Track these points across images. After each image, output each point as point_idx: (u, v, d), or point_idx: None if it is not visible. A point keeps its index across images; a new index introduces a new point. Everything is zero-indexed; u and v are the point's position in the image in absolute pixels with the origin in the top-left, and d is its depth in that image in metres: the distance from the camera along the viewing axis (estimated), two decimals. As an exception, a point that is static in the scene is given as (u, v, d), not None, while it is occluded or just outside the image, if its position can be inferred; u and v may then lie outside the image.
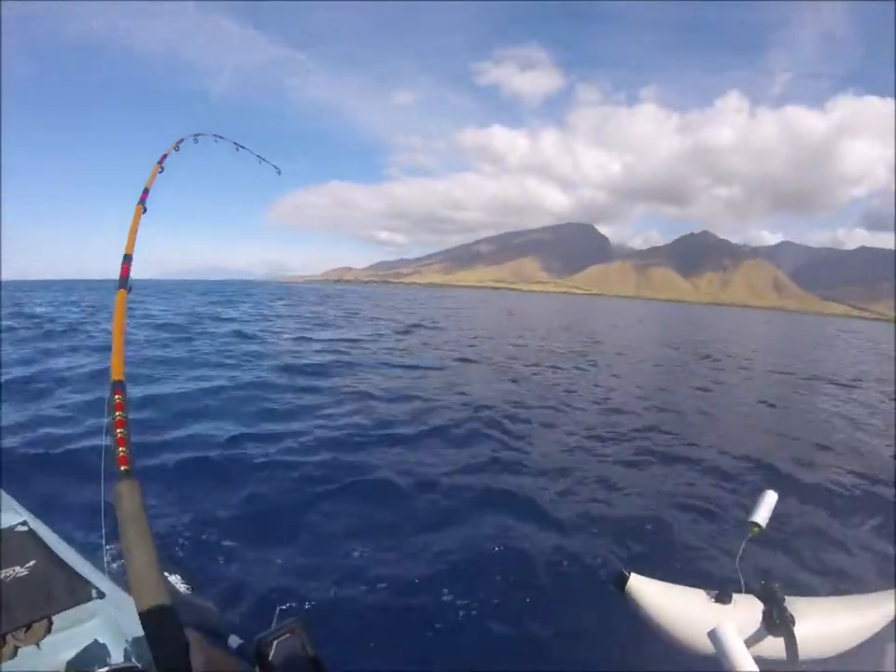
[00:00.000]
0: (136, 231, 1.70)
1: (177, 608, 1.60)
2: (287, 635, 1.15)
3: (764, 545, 3.99)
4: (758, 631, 1.64)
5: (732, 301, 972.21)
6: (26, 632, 1.89)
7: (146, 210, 1.82)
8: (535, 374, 13.31)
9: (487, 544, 4.20)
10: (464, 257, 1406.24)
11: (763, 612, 1.65)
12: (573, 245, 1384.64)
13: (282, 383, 10.15)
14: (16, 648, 1.88)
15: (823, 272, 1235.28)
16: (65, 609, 2.00)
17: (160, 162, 2.15)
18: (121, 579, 1.97)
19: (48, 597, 2.00)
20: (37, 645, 1.91)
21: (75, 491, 4.52)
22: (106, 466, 1.02)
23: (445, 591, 3.54)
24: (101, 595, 2.06)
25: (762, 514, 1.84)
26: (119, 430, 1.08)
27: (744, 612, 1.66)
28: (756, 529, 1.81)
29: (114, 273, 1.47)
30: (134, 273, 1.50)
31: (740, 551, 1.78)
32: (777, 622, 1.60)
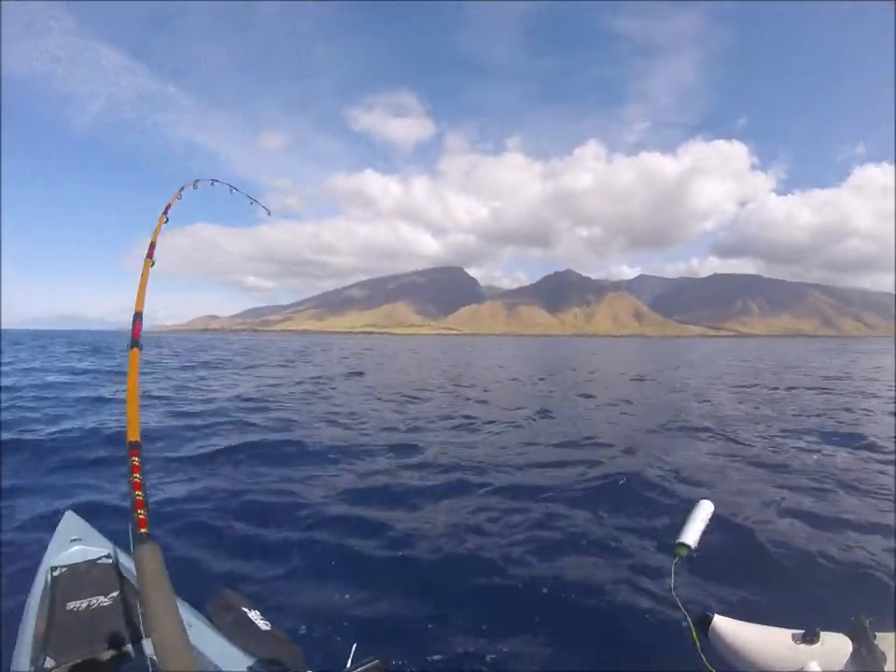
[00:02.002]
0: (146, 287, 1.70)
1: (259, 643, 2.01)
2: None
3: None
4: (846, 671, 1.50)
5: (596, 332, 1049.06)
6: (100, 659, 1.98)
7: (154, 263, 1.83)
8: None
9: (558, 591, 3.71)
10: (336, 302, 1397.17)
11: (853, 650, 1.47)
12: (445, 288, 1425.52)
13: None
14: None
15: (679, 299, 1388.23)
16: (144, 639, 2.06)
17: (164, 213, 2.20)
18: (203, 608, 2.24)
19: (131, 626, 2.07)
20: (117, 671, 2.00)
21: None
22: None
23: (527, 639, 3.16)
24: (188, 626, 1.84)
25: (691, 533, 1.75)
26: (137, 493, 1.08)
27: (832, 651, 1.49)
28: (684, 552, 1.72)
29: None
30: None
31: (672, 577, 1.71)
32: (868, 659, 1.44)
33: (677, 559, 1.72)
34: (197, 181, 2.83)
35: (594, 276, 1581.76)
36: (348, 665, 1.19)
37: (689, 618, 1.60)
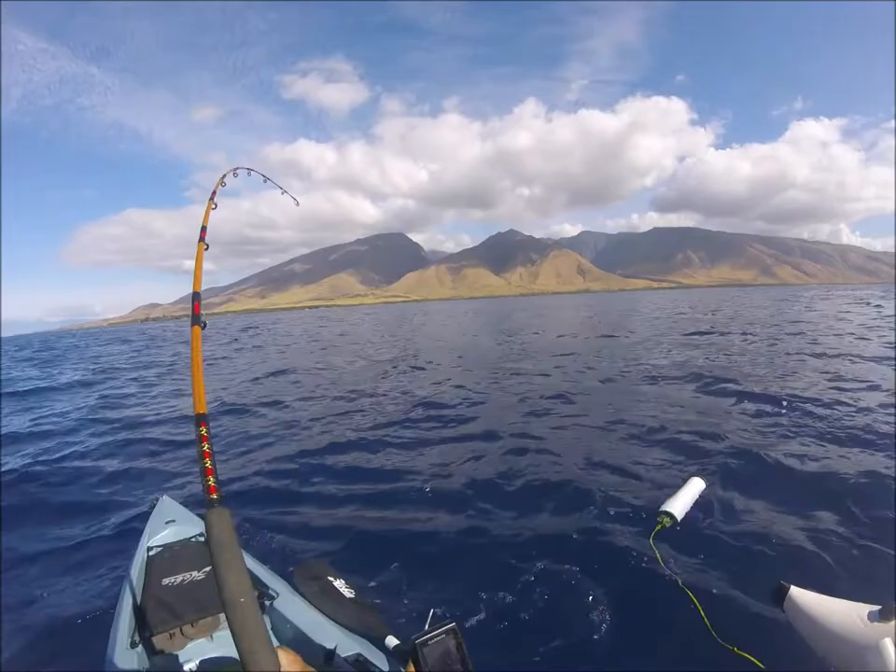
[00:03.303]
0: (201, 268, 1.82)
1: (344, 610, 2.20)
2: (443, 636, 1.25)
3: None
4: None
5: (542, 290, 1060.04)
6: (193, 626, 2.20)
7: (207, 247, 1.97)
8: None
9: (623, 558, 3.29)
10: (278, 278, 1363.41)
11: None
12: (388, 255, 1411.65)
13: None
14: (187, 639, 2.20)
15: (622, 253, 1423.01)
16: None
17: (211, 199, 2.39)
18: (293, 579, 2.45)
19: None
20: (210, 637, 2.23)
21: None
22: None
23: (589, 614, 2.97)
24: (275, 595, 2.33)
25: (678, 504, 1.70)
26: (206, 461, 1.12)
27: None
28: (666, 521, 1.68)
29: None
30: None
31: (651, 542, 1.65)
32: None
33: (658, 527, 1.61)
34: (236, 169, 3.01)
35: (537, 235, 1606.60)
36: (425, 628, 1.24)
37: (693, 599, 1.61)
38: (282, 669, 0.85)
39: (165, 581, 2.41)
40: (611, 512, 4.11)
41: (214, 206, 2.33)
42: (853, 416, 6.71)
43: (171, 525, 2.99)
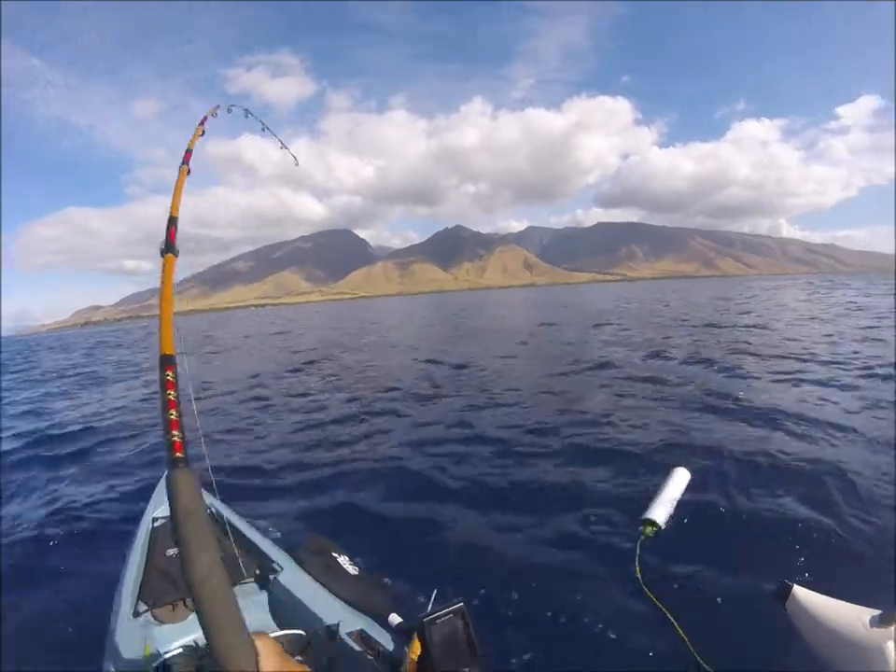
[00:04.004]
0: (181, 192, 1.68)
1: (347, 586, 2.21)
2: (450, 616, 1.21)
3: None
4: None
5: (489, 285, 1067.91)
6: None
7: (189, 171, 1.82)
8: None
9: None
10: (221, 277, 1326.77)
11: None
12: (334, 252, 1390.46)
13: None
14: (190, 610, 2.16)
15: (567, 248, 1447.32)
16: (243, 581, 2.30)
17: (201, 124, 2.24)
18: (297, 555, 2.44)
19: (228, 570, 2.13)
20: None
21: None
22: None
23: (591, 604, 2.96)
24: (279, 570, 2.34)
25: (661, 507, 1.58)
26: (170, 412, 0.94)
27: None
28: (650, 529, 1.57)
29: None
30: None
31: (636, 559, 1.56)
32: None
33: (642, 537, 1.55)
34: (232, 106, 2.87)
35: (483, 231, 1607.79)
36: (429, 608, 1.21)
37: (664, 610, 1.49)
38: (259, 658, 0.72)
39: (169, 552, 2.42)
40: (592, 519, 3.96)
41: (202, 133, 2.21)
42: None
43: None
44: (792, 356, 10.25)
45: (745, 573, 3.09)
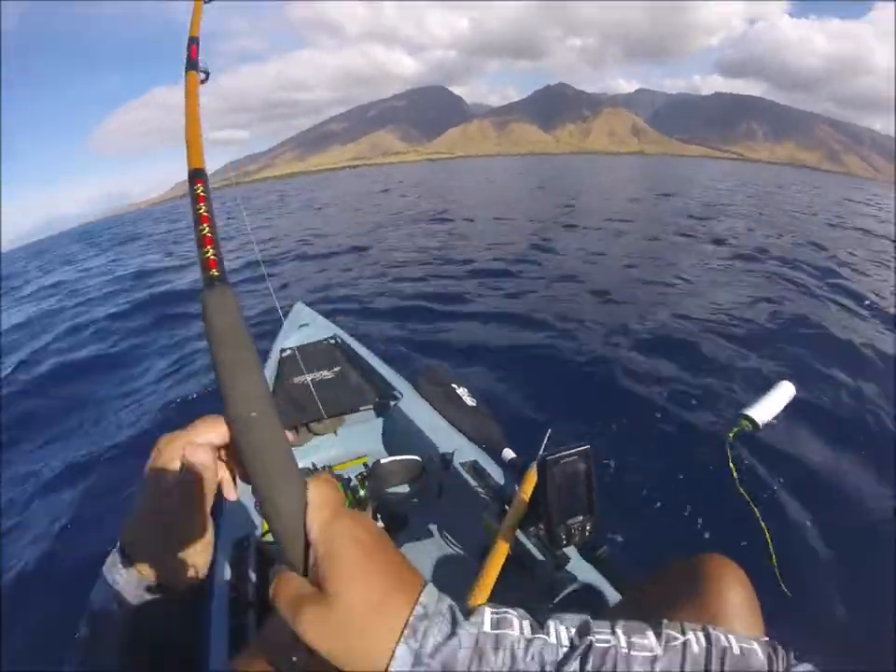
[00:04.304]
0: (201, 11, 1.52)
1: (464, 417, 2.18)
2: (574, 458, 1.19)
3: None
4: None
5: (594, 150, 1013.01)
6: (319, 423, 2.31)
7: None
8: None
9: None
10: (316, 139, 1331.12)
11: None
12: (428, 110, 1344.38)
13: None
14: (313, 435, 2.33)
15: (680, 116, 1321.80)
16: (363, 407, 2.41)
17: None
18: (417, 383, 2.45)
19: (350, 395, 2.41)
20: (335, 433, 2.37)
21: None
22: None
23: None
24: (399, 396, 2.42)
25: (762, 409, 1.49)
26: (203, 227, 0.84)
27: None
28: (746, 424, 1.47)
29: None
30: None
31: (727, 446, 1.46)
32: None
33: (736, 429, 1.46)
34: None
35: (589, 90, 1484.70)
36: (541, 450, 1.18)
37: (756, 511, 1.44)
38: (309, 509, 0.53)
39: (296, 379, 2.46)
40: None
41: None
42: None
43: (304, 328, 3.12)
44: None
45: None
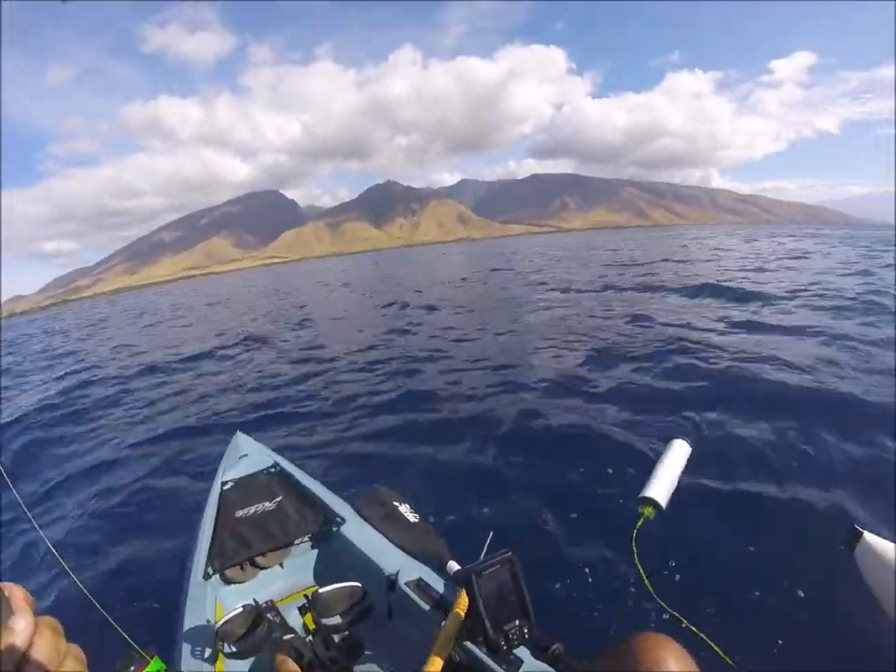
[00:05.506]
0: None
1: (407, 535, 2.27)
2: (497, 567, 1.29)
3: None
4: None
5: (424, 241, 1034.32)
6: (264, 556, 2.29)
7: None
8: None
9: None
10: (147, 250, 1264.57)
11: None
12: (262, 215, 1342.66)
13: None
14: (258, 569, 2.30)
15: (501, 201, 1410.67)
16: (307, 536, 2.40)
17: None
18: (359, 506, 2.49)
19: (293, 525, 2.40)
20: (281, 566, 2.35)
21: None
22: None
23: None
24: (342, 521, 2.41)
25: (660, 484, 1.40)
26: None
27: None
28: (649, 510, 1.37)
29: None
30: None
31: (633, 543, 1.36)
32: None
33: (640, 521, 1.34)
34: None
35: (416, 185, 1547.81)
36: (482, 556, 1.27)
37: (662, 604, 1.36)
38: None
39: (239, 513, 2.47)
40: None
41: None
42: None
43: (244, 458, 3.10)
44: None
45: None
